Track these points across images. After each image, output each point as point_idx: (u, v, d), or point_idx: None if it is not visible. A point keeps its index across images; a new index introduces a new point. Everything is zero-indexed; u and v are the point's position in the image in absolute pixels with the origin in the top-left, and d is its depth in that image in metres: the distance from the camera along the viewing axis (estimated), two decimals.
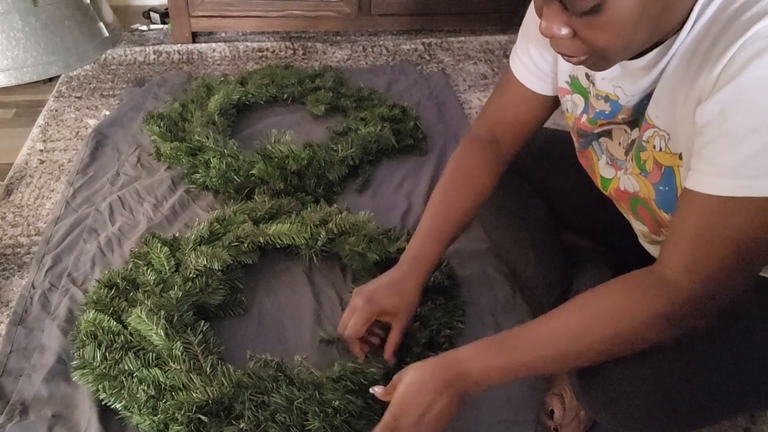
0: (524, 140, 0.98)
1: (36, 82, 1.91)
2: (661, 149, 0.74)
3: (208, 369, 0.94)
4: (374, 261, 1.14)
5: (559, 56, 0.84)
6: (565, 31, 0.64)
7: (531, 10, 0.89)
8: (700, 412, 0.75)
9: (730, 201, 0.62)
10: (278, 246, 1.20)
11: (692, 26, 0.64)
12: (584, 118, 0.85)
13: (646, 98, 0.74)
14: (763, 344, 0.76)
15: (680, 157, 0.71)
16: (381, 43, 2.25)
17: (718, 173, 0.62)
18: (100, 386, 0.93)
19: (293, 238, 1.18)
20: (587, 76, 0.82)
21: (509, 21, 2.33)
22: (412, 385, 0.77)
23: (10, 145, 1.63)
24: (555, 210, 1.13)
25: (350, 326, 0.93)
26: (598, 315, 0.71)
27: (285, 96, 1.76)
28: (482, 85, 1.99)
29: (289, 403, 0.88)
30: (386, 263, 1.15)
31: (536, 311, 1.11)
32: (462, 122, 1.74)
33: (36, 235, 1.32)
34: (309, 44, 2.20)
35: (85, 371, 0.95)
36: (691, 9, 0.64)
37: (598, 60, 0.67)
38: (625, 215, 0.90)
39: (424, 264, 0.95)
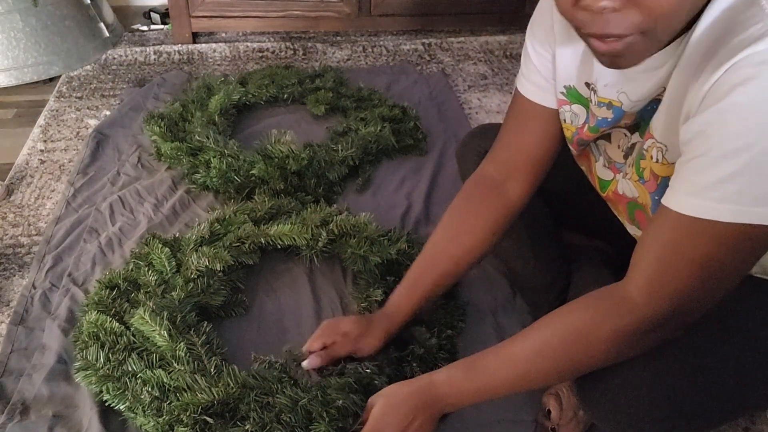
0: (538, 176, 0.92)
1: (36, 82, 1.91)
2: (658, 160, 0.74)
3: (212, 370, 0.94)
4: (375, 263, 1.14)
5: (556, 67, 0.83)
6: (612, 2, 0.59)
7: (533, 22, 0.87)
8: (703, 415, 0.76)
9: (697, 222, 0.62)
10: (279, 247, 1.20)
11: (695, 29, 0.63)
12: (586, 127, 0.85)
13: (650, 104, 0.73)
14: (764, 346, 0.76)
15: None
16: (381, 43, 2.25)
17: (689, 192, 0.63)
18: (104, 388, 0.93)
19: (294, 238, 1.18)
20: (587, 84, 0.82)
21: (509, 21, 2.34)
22: (388, 406, 0.80)
23: (10, 145, 1.63)
24: (554, 209, 1.13)
25: (310, 339, 0.97)
26: (559, 334, 0.73)
27: (285, 96, 1.77)
28: (482, 85, 1.99)
29: (294, 403, 0.88)
30: (387, 265, 1.15)
31: (536, 311, 1.12)
32: (462, 122, 1.74)
33: (36, 235, 1.32)
34: (309, 44, 2.20)
35: (88, 372, 0.95)
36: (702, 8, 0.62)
37: (638, 42, 0.63)
38: (620, 219, 0.90)
39: (397, 316, 0.97)
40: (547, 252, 1.10)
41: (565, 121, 0.88)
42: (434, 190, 1.46)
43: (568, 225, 1.16)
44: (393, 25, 2.29)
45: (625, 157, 0.82)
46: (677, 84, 0.67)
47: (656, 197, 0.76)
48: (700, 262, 0.64)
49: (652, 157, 0.74)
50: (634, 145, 0.79)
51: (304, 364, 0.95)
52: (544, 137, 0.90)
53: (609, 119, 0.80)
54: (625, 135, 0.81)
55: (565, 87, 0.85)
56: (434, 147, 1.62)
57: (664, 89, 0.70)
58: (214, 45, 2.16)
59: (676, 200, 0.64)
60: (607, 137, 0.85)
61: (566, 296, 1.07)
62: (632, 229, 0.88)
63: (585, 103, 0.83)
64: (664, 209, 0.66)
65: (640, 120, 0.77)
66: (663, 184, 0.74)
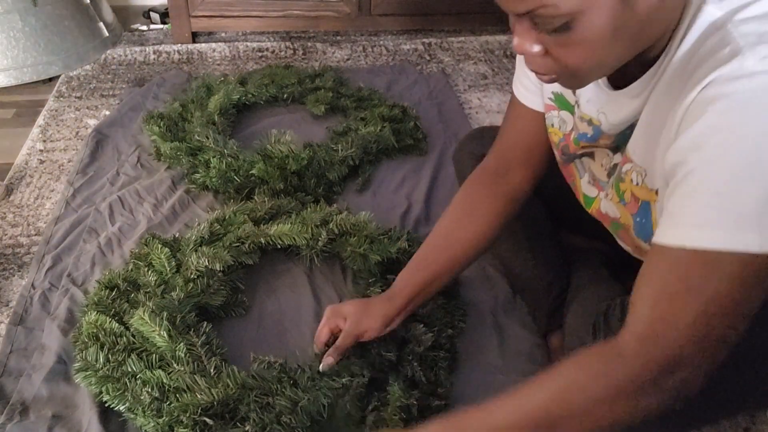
0: (539, 166, 0.94)
1: (36, 82, 1.91)
2: (638, 184, 0.73)
3: (212, 370, 0.93)
4: (375, 261, 1.14)
5: None
6: (536, 48, 0.62)
7: None
8: (701, 411, 0.75)
9: (685, 252, 0.58)
10: (279, 246, 1.20)
11: (671, 59, 0.63)
12: (572, 136, 0.85)
13: (629, 129, 0.73)
14: (763, 344, 0.76)
15: (657, 193, 0.71)
16: (381, 43, 2.25)
17: (674, 223, 0.59)
18: (104, 388, 0.93)
19: (294, 238, 1.18)
20: (574, 93, 0.82)
21: (509, 21, 2.33)
22: None
23: (10, 145, 1.63)
24: (552, 210, 1.14)
25: (317, 333, 0.97)
26: (553, 396, 0.64)
27: (285, 96, 1.76)
28: (482, 85, 1.99)
29: (294, 404, 0.88)
30: (387, 263, 1.15)
31: (535, 311, 1.12)
32: (462, 122, 1.74)
33: (36, 235, 1.32)
34: (309, 44, 2.20)
35: (87, 373, 0.95)
36: (674, 30, 0.62)
37: (570, 78, 0.66)
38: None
39: (398, 299, 0.94)
40: (546, 253, 1.10)
41: (552, 125, 0.89)
42: (434, 190, 1.46)
43: (567, 226, 1.16)
44: (393, 25, 2.28)
45: (609, 175, 0.82)
46: (653, 110, 0.67)
47: (637, 219, 0.76)
48: (696, 297, 0.57)
49: (632, 180, 0.74)
50: (616, 165, 0.79)
51: (321, 367, 0.93)
52: (536, 135, 0.92)
53: (589, 135, 0.80)
54: (608, 155, 0.81)
55: (553, 93, 0.85)
56: (434, 147, 1.62)
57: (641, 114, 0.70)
58: (213, 45, 2.16)
59: (663, 233, 0.61)
60: (591, 155, 0.85)
61: (565, 296, 1.07)
62: (621, 243, 0.88)
63: (572, 110, 0.83)
64: (653, 246, 0.62)
65: (619, 143, 0.77)
66: (644, 207, 0.74)
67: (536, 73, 0.67)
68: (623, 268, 1.13)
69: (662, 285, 0.60)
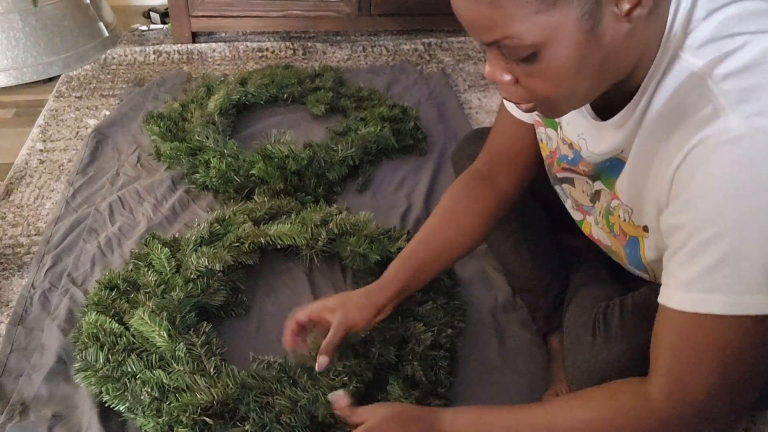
0: (525, 173, 0.95)
1: (36, 82, 1.91)
2: (625, 220, 0.74)
3: (211, 370, 0.94)
4: (375, 261, 1.14)
5: None
6: (507, 77, 0.63)
7: None
8: None
9: (693, 317, 0.60)
10: (279, 246, 1.20)
11: (650, 101, 0.63)
12: (556, 154, 0.85)
13: (608, 161, 0.74)
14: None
15: (645, 229, 0.71)
16: (381, 43, 2.25)
17: (678, 286, 0.61)
18: (103, 388, 0.93)
19: (294, 238, 1.18)
20: None
21: None
22: (396, 418, 0.78)
23: (10, 145, 1.63)
24: (550, 211, 1.14)
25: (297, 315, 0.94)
26: (582, 425, 0.68)
27: (285, 96, 1.76)
28: (482, 85, 1.99)
29: (294, 404, 0.88)
30: (387, 263, 1.15)
31: (534, 312, 1.11)
32: (462, 122, 1.74)
33: (36, 235, 1.32)
34: (309, 44, 2.20)
35: (87, 373, 0.95)
36: (650, 68, 0.62)
37: (545, 107, 0.66)
38: None
39: (388, 284, 0.95)
40: (545, 254, 1.10)
41: (541, 141, 0.90)
42: (434, 190, 1.46)
43: (566, 227, 1.16)
44: (393, 25, 2.28)
45: (592, 201, 0.82)
46: (638, 153, 0.67)
47: (627, 250, 0.77)
48: (714, 356, 0.60)
49: (619, 216, 0.75)
50: (598, 191, 0.80)
51: (317, 368, 0.91)
52: (523, 144, 0.93)
53: (569, 158, 0.81)
54: (587, 182, 0.82)
55: None
56: (434, 147, 1.62)
57: (622, 151, 0.70)
58: (213, 45, 2.16)
59: (669, 297, 0.63)
60: (570, 182, 0.86)
61: (564, 297, 1.07)
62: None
63: (556, 129, 0.84)
64: (662, 308, 0.64)
65: (599, 172, 0.77)
66: (632, 241, 0.75)
67: (512, 102, 0.67)
68: (622, 269, 1.13)
69: (678, 345, 0.62)
